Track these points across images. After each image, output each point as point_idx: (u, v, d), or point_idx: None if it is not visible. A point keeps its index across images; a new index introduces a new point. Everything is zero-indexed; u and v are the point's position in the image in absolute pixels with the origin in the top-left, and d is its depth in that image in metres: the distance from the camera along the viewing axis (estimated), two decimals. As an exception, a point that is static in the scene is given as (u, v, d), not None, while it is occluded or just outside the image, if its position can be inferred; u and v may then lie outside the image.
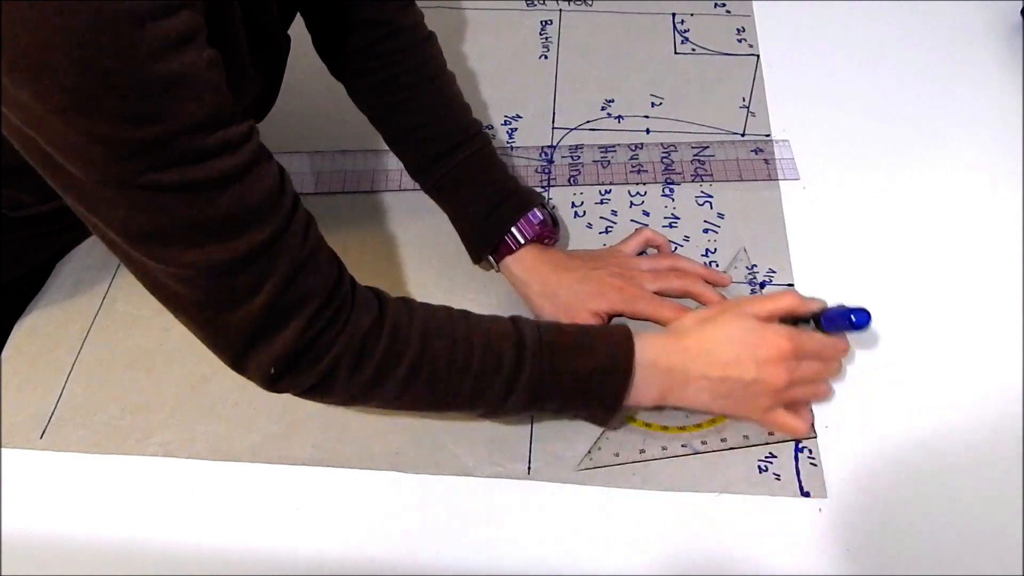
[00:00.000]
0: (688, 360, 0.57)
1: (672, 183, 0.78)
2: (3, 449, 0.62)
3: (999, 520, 0.57)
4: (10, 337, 0.69)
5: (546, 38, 0.92)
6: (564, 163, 0.80)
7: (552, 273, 0.66)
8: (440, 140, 0.69)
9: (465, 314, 0.57)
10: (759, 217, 0.75)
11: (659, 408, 0.61)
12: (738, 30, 0.92)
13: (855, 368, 0.65)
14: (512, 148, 0.81)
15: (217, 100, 0.43)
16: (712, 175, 0.78)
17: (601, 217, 0.75)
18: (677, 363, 0.57)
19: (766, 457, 0.60)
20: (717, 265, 0.71)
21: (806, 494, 0.59)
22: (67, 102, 0.39)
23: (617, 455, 0.61)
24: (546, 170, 0.79)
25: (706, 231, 0.74)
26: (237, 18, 0.52)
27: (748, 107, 0.84)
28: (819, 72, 0.87)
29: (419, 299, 0.69)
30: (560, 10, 0.95)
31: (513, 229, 0.66)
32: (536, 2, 0.96)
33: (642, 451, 0.61)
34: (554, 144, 0.81)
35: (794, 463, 0.60)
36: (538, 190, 0.76)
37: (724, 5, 0.94)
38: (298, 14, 0.67)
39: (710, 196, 0.76)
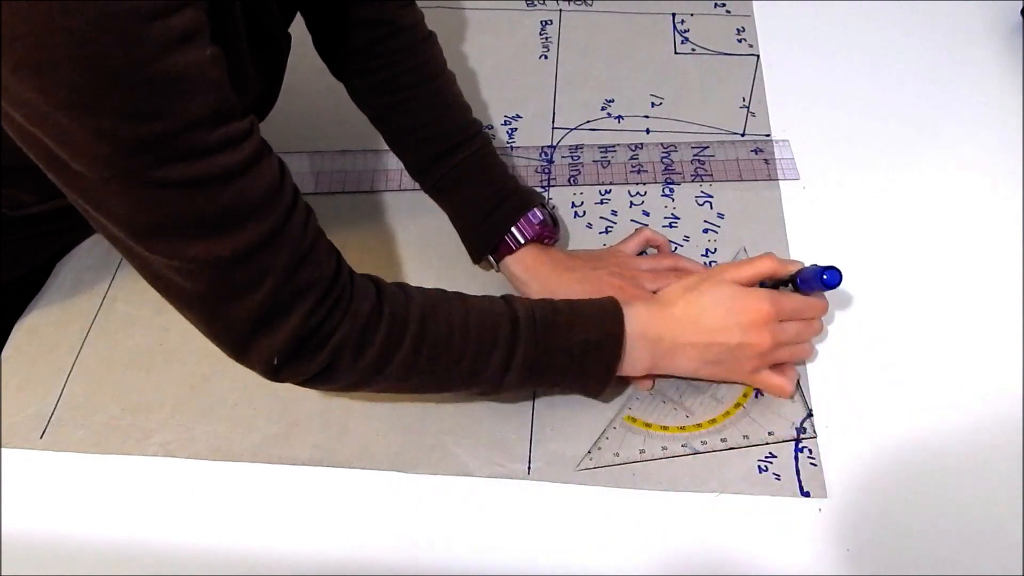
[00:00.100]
0: (675, 328, 0.59)
1: (672, 183, 0.78)
2: (3, 449, 0.62)
3: (999, 520, 0.57)
4: (10, 337, 0.69)
5: (546, 38, 0.92)
6: (564, 163, 0.80)
7: (552, 273, 0.66)
8: (440, 140, 0.69)
9: (460, 295, 0.57)
10: (759, 217, 0.75)
11: (649, 377, 0.63)
12: (738, 30, 0.92)
13: (855, 368, 0.65)
14: (512, 148, 0.81)
15: (220, 97, 0.44)
16: (712, 175, 0.78)
17: (601, 217, 0.75)
18: (665, 332, 0.59)
19: (766, 457, 0.60)
20: (717, 265, 0.71)
21: (806, 494, 0.59)
22: (72, 99, 0.39)
23: (617, 455, 0.61)
24: (546, 170, 0.79)
25: (706, 231, 0.74)
26: (238, 17, 0.52)
27: (748, 107, 0.84)
28: (819, 72, 0.87)
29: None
30: (560, 10, 0.95)
31: (513, 229, 0.67)
32: (536, 2, 0.96)
33: (642, 451, 0.61)
34: (554, 144, 0.81)
35: (794, 463, 0.60)
36: (538, 190, 0.76)
37: (724, 5, 0.94)
38: (298, 14, 0.67)
39: (710, 196, 0.76)
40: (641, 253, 0.71)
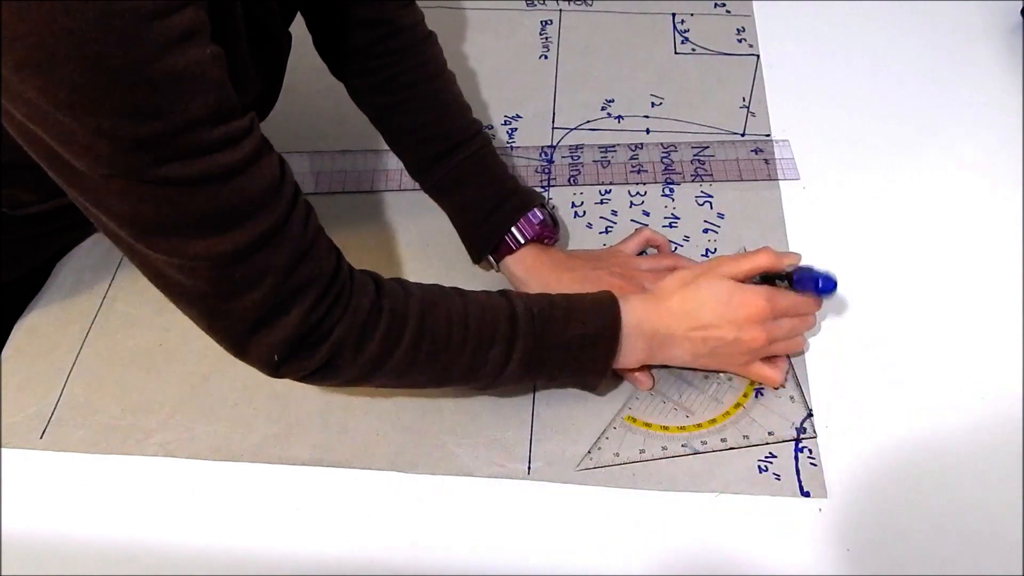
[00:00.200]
0: (671, 322, 0.59)
1: (672, 183, 0.78)
2: (3, 449, 0.62)
3: (999, 520, 0.57)
4: (10, 337, 0.69)
5: (546, 38, 0.92)
6: (564, 163, 0.80)
7: (552, 273, 0.67)
8: (440, 140, 0.69)
9: (459, 291, 0.58)
10: (759, 217, 0.75)
11: (649, 378, 0.63)
12: (738, 30, 0.92)
13: (855, 368, 0.65)
14: (512, 148, 0.81)
15: (220, 96, 0.44)
16: (712, 175, 0.78)
17: (601, 217, 0.75)
18: (661, 325, 0.59)
19: (766, 457, 0.60)
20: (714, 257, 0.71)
21: (806, 494, 0.59)
22: (73, 98, 0.39)
23: (617, 455, 0.61)
24: (546, 170, 0.79)
25: (706, 231, 0.74)
26: (238, 16, 0.52)
27: (748, 107, 0.84)
28: (819, 72, 0.87)
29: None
30: (560, 10, 0.95)
31: (513, 229, 0.67)
32: (536, 2, 0.96)
33: (642, 451, 0.61)
34: (554, 144, 0.81)
35: (794, 463, 0.60)
36: (538, 190, 0.76)
37: (724, 5, 0.94)
38: (299, 14, 0.67)
39: (710, 196, 0.76)
40: (641, 253, 0.71)
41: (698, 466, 0.60)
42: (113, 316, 0.70)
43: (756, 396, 0.63)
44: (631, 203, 0.76)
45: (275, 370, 0.51)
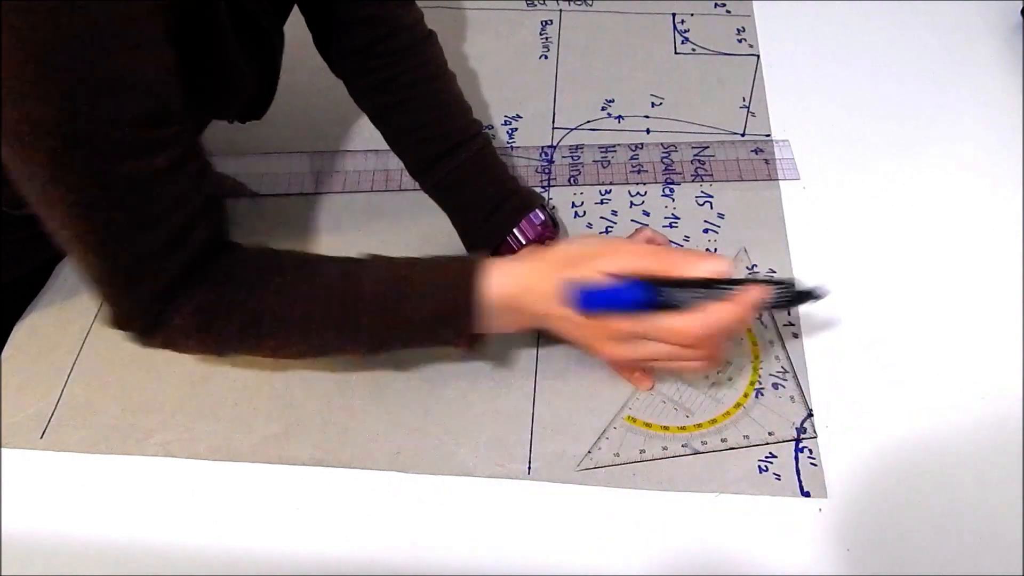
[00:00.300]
0: (542, 306, 0.56)
1: (672, 183, 0.78)
2: (3, 449, 0.62)
3: (999, 520, 0.57)
4: (10, 337, 0.69)
5: (546, 38, 0.92)
6: (564, 163, 0.80)
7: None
8: (440, 141, 0.69)
9: (316, 267, 0.57)
10: (759, 217, 0.75)
11: (648, 378, 0.64)
12: (738, 30, 0.92)
13: (855, 368, 0.65)
14: (512, 148, 0.81)
15: (158, 99, 0.47)
16: (712, 175, 0.78)
17: (601, 217, 0.75)
18: (530, 306, 0.56)
19: (766, 457, 0.60)
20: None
21: (806, 494, 0.59)
22: (11, 85, 0.42)
23: (617, 455, 0.61)
24: (546, 170, 0.79)
25: (706, 231, 0.74)
26: (222, 11, 0.53)
27: (748, 107, 0.84)
28: (819, 72, 0.87)
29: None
30: (560, 10, 0.95)
31: (515, 230, 0.67)
32: (536, 2, 0.96)
33: (642, 451, 0.61)
34: (554, 144, 0.81)
35: (794, 463, 0.60)
36: (538, 190, 0.76)
37: (724, 5, 0.94)
38: (298, 13, 0.67)
39: (710, 196, 0.76)
40: None
41: (698, 466, 0.60)
42: (113, 316, 0.70)
43: (756, 396, 0.63)
44: (631, 203, 0.76)
45: (146, 335, 0.55)
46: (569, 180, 0.78)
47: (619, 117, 0.84)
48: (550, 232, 0.68)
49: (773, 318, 0.68)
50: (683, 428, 0.62)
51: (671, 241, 0.72)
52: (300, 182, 0.78)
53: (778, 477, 0.60)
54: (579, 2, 0.96)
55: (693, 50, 0.90)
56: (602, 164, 0.79)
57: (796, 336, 0.67)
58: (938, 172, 0.77)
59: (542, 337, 0.67)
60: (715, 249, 0.72)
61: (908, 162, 0.78)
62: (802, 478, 0.59)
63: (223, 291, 0.54)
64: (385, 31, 0.67)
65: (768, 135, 0.81)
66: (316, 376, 0.65)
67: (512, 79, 0.87)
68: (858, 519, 0.58)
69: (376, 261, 0.58)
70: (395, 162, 0.76)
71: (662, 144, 0.81)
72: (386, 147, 0.73)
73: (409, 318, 0.56)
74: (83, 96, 0.43)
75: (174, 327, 0.54)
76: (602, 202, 0.77)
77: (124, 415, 0.64)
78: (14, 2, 0.39)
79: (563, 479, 0.60)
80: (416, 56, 0.69)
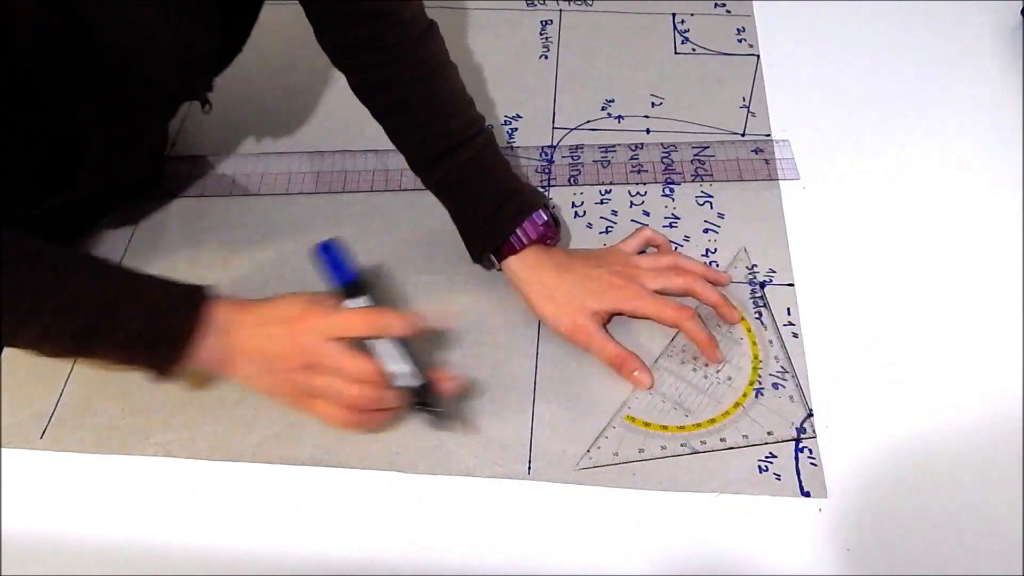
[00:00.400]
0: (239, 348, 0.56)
1: (672, 183, 0.78)
2: (3, 449, 0.62)
3: (999, 520, 0.57)
4: (10, 337, 0.69)
5: (546, 38, 0.92)
6: (564, 163, 0.80)
7: (553, 272, 0.66)
8: (442, 139, 0.68)
9: (53, 266, 0.54)
10: (759, 217, 0.75)
11: (647, 375, 0.64)
12: (738, 30, 0.92)
13: (855, 368, 0.65)
14: (512, 148, 0.81)
15: None
16: (712, 175, 0.78)
17: (601, 217, 0.75)
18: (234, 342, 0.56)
19: (766, 457, 0.60)
20: (717, 265, 0.71)
21: (806, 494, 0.59)
22: None
23: (616, 454, 0.61)
24: (546, 170, 0.79)
25: (706, 231, 0.74)
26: None
27: (748, 107, 0.84)
28: (819, 72, 0.87)
29: (420, 299, 0.69)
30: (560, 10, 0.95)
31: (517, 231, 0.66)
32: (536, 2, 0.96)
33: (641, 451, 0.61)
34: (554, 144, 0.81)
35: (794, 463, 0.60)
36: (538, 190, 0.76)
37: (724, 5, 0.94)
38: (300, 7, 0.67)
39: (710, 196, 0.76)
40: (642, 252, 0.71)
41: (698, 466, 0.60)
42: (113, 316, 0.70)
43: (756, 396, 0.63)
44: (631, 203, 0.76)
45: None
46: (569, 180, 0.78)
47: (619, 117, 0.84)
48: (552, 232, 0.68)
49: (773, 318, 0.68)
50: (682, 428, 0.62)
51: (671, 241, 0.73)
52: (300, 182, 0.78)
53: (778, 477, 0.60)
54: (579, 2, 0.96)
55: (693, 50, 0.90)
56: (602, 164, 0.79)
57: (796, 336, 0.67)
58: (938, 172, 0.77)
59: (542, 337, 0.67)
60: (715, 249, 0.72)
61: (908, 162, 0.78)
62: (802, 478, 0.59)
63: None
64: (384, 25, 0.67)
65: (768, 135, 0.81)
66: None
67: (512, 79, 0.87)
68: (858, 519, 0.58)
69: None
70: (395, 162, 0.76)
71: (662, 144, 0.81)
72: (386, 147, 0.73)
73: (106, 343, 0.54)
74: None
75: None
76: (602, 202, 0.77)
77: (124, 415, 0.64)
78: None
79: (563, 479, 0.60)
80: (418, 52, 0.68)
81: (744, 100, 0.84)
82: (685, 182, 0.78)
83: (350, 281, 0.58)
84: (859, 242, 0.73)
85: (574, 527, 0.58)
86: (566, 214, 0.76)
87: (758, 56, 0.89)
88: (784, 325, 0.67)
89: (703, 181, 0.78)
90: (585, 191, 0.77)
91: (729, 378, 0.65)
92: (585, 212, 0.76)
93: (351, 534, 0.58)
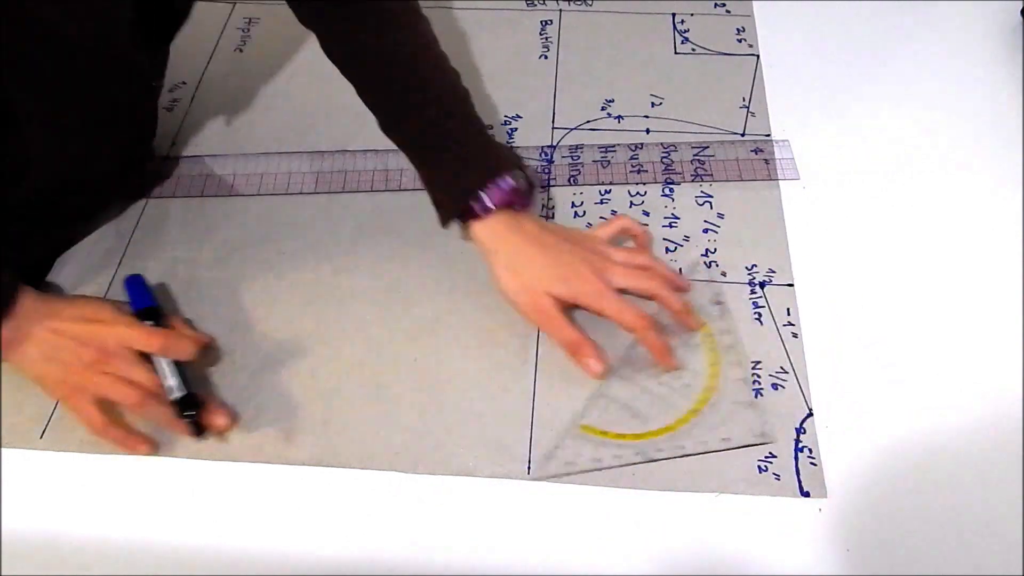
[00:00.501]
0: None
1: (672, 183, 0.78)
2: (3, 449, 0.62)
3: (999, 520, 0.57)
4: (10, 337, 0.69)
5: (546, 38, 0.92)
6: (564, 163, 0.80)
7: (522, 245, 0.65)
8: (410, 94, 0.67)
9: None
10: (759, 217, 0.75)
11: (601, 363, 0.63)
12: (738, 30, 0.92)
13: (855, 368, 0.65)
14: (512, 148, 0.81)
15: None
16: (712, 175, 0.78)
17: (601, 217, 0.75)
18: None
19: (766, 457, 0.60)
20: (717, 265, 0.71)
21: (806, 494, 0.59)
22: None
23: (571, 463, 0.60)
24: (546, 170, 0.79)
25: (706, 231, 0.74)
26: None
27: (748, 107, 0.84)
28: (819, 72, 0.87)
29: (418, 299, 0.69)
30: (560, 10, 0.95)
31: (482, 194, 0.64)
32: (536, 2, 0.96)
33: (597, 459, 0.60)
34: (554, 144, 0.81)
35: (794, 463, 0.60)
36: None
37: (724, 5, 0.94)
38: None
39: (710, 196, 0.76)
40: (626, 244, 0.71)
41: (697, 466, 0.60)
42: (113, 316, 0.70)
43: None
44: (631, 203, 0.76)
45: None
46: (569, 180, 0.78)
47: (619, 117, 0.84)
48: (522, 199, 0.66)
49: (773, 318, 0.68)
50: (638, 436, 0.61)
51: (670, 241, 0.73)
52: (300, 182, 0.78)
53: (778, 477, 0.60)
54: (579, 2, 0.96)
55: (693, 50, 0.90)
56: (602, 164, 0.79)
57: (796, 336, 0.67)
58: (938, 172, 0.77)
59: (542, 337, 0.67)
60: (715, 249, 0.72)
61: (908, 162, 0.78)
62: (802, 478, 0.59)
63: None
64: None
65: (768, 135, 0.81)
66: (316, 376, 0.65)
67: (512, 79, 0.87)
68: (858, 519, 0.58)
69: None
70: (395, 162, 0.76)
71: (662, 144, 0.81)
72: (386, 147, 0.72)
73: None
74: None
75: None
76: (602, 202, 0.77)
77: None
78: None
79: (563, 479, 0.60)
80: (382, 3, 0.67)
81: (744, 100, 0.84)
82: (685, 182, 0.78)
83: (147, 307, 0.65)
84: (859, 242, 0.73)
85: (574, 527, 0.58)
86: (566, 214, 0.76)
87: (758, 56, 0.89)
88: (784, 325, 0.67)
89: (703, 181, 0.78)
90: (585, 191, 0.77)
91: (687, 385, 0.64)
92: (585, 212, 0.76)
93: (351, 534, 0.58)
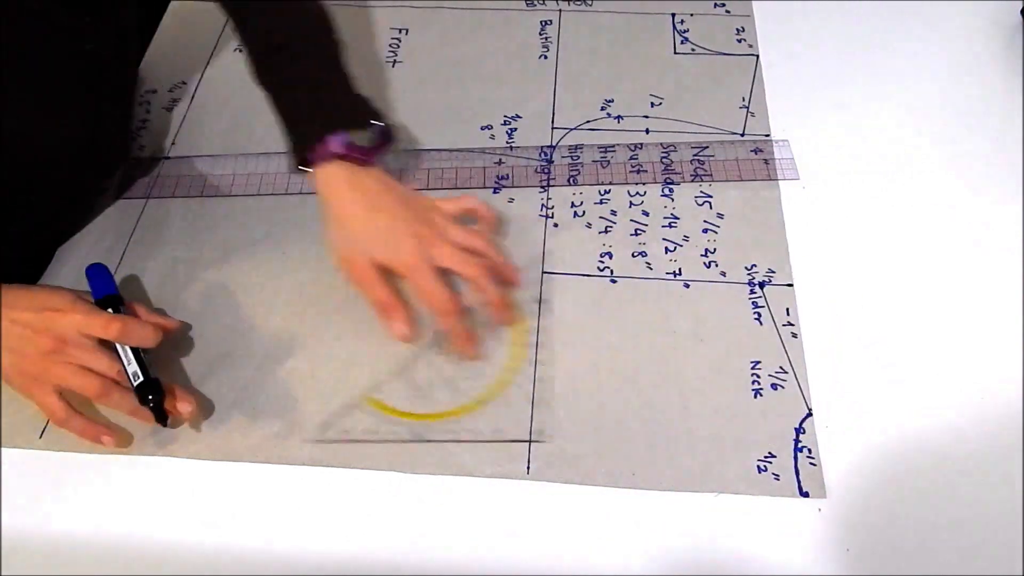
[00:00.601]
0: None
1: (671, 183, 0.78)
2: (3, 449, 0.62)
3: (999, 520, 0.57)
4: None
5: (546, 38, 0.92)
6: (564, 163, 0.80)
7: (353, 201, 0.65)
8: (273, 35, 0.67)
9: None
10: (758, 217, 0.75)
11: (408, 326, 0.64)
12: (737, 30, 0.92)
13: (855, 368, 0.65)
14: (512, 148, 0.81)
15: None
16: (712, 175, 0.78)
17: (600, 217, 0.75)
18: None
19: (765, 457, 0.61)
20: (716, 265, 0.71)
21: (805, 494, 0.59)
22: None
23: (347, 432, 0.62)
24: (546, 170, 0.79)
25: (705, 231, 0.74)
26: None
27: (747, 107, 0.84)
28: (819, 72, 0.87)
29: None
30: (560, 10, 0.95)
31: (319, 144, 0.65)
32: (536, 2, 0.96)
33: (374, 431, 0.62)
34: (554, 144, 0.81)
35: (793, 463, 0.60)
36: (537, 190, 0.76)
37: (723, 5, 0.94)
38: None
39: (709, 196, 0.77)
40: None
41: (696, 466, 0.60)
42: (113, 316, 0.70)
43: (501, 397, 0.64)
44: (630, 203, 0.76)
45: None
46: (568, 180, 0.78)
47: (618, 117, 0.84)
48: (362, 156, 0.65)
49: (772, 318, 0.68)
50: (419, 416, 0.63)
51: (670, 240, 0.73)
52: (300, 182, 0.78)
53: (777, 477, 0.60)
54: (578, 2, 0.96)
55: (692, 50, 0.90)
56: (601, 164, 0.79)
57: (795, 336, 0.67)
58: (938, 172, 0.77)
59: (542, 336, 0.67)
60: (714, 249, 0.72)
61: (907, 162, 0.78)
62: (801, 478, 0.59)
63: None
64: None
65: (767, 135, 0.81)
66: (316, 376, 0.65)
67: (511, 79, 0.87)
68: (858, 519, 0.58)
69: None
70: (394, 162, 0.76)
71: (661, 144, 0.81)
72: (386, 147, 0.73)
73: None
74: None
75: None
76: (601, 202, 0.77)
77: (123, 414, 0.64)
78: None
79: (563, 479, 0.60)
80: None
81: (743, 100, 0.84)
82: (684, 182, 0.78)
83: (108, 295, 0.64)
84: (859, 242, 0.73)
85: (574, 527, 0.58)
86: (565, 214, 0.76)
87: (757, 56, 0.89)
88: (783, 325, 0.67)
89: (702, 181, 0.78)
90: (584, 191, 0.77)
91: (482, 376, 0.65)
92: (584, 212, 0.76)
93: (351, 534, 0.58)
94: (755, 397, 0.63)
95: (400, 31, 0.91)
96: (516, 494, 0.60)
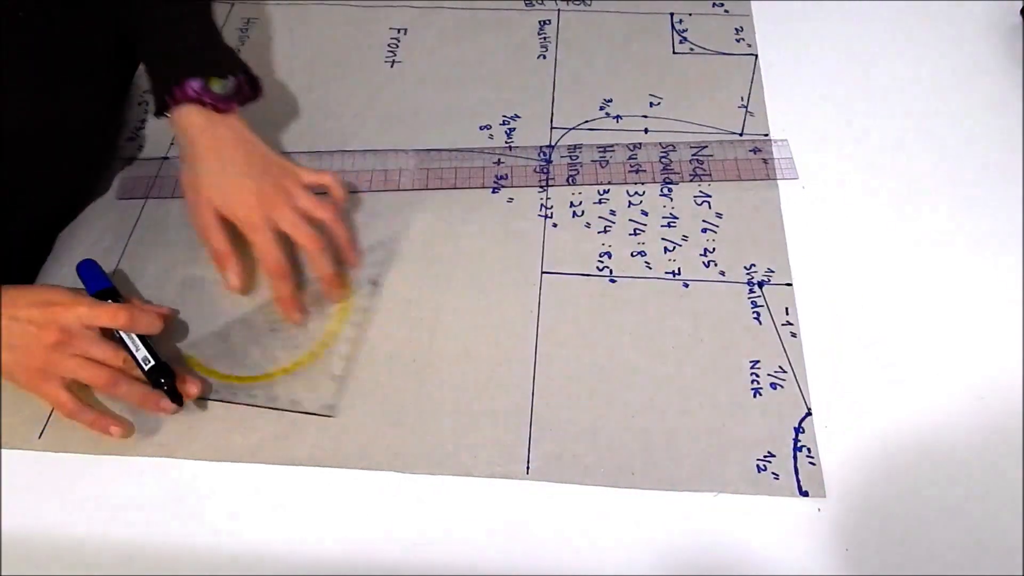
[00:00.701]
0: None
1: (670, 183, 0.78)
2: (2, 449, 0.62)
3: (999, 520, 0.58)
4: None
5: (544, 38, 0.92)
6: (563, 163, 0.80)
7: (209, 148, 0.66)
8: None
9: None
10: (758, 217, 0.75)
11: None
12: (736, 30, 0.92)
13: (855, 368, 0.65)
14: (511, 148, 0.81)
15: None
16: (711, 175, 0.78)
17: (600, 217, 0.75)
18: None
19: (764, 456, 0.61)
20: (716, 265, 0.71)
21: (805, 494, 0.59)
22: None
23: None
24: (544, 170, 0.79)
25: (704, 231, 0.74)
26: None
27: (746, 107, 0.84)
28: (818, 72, 0.87)
29: (418, 300, 0.69)
30: (559, 10, 0.95)
31: (176, 88, 0.65)
32: (535, 2, 0.96)
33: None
34: (552, 144, 0.81)
35: (793, 463, 0.60)
36: (536, 190, 0.76)
37: (722, 5, 0.94)
38: None
39: (708, 196, 0.77)
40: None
41: (695, 465, 0.60)
42: (112, 316, 0.70)
43: (307, 367, 0.65)
44: (629, 203, 0.76)
45: None
46: (567, 180, 0.78)
47: (617, 117, 0.84)
48: (214, 101, 0.66)
49: (772, 317, 0.68)
50: (225, 376, 0.65)
51: (669, 240, 0.73)
52: (299, 182, 0.78)
53: (776, 477, 0.60)
54: (577, 2, 0.96)
55: (691, 50, 0.90)
56: (600, 164, 0.79)
57: (795, 336, 0.67)
58: (937, 172, 0.77)
59: (542, 336, 0.67)
60: (713, 249, 0.72)
61: (907, 162, 0.78)
62: (800, 478, 0.60)
63: None
64: None
65: (766, 135, 0.81)
66: (316, 376, 0.65)
67: (510, 79, 0.87)
68: (857, 519, 0.58)
69: None
70: (395, 162, 0.76)
71: (660, 144, 0.81)
72: (386, 147, 0.73)
73: None
74: None
75: None
76: (600, 202, 0.77)
77: (123, 414, 0.64)
78: None
79: (563, 479, 0.60)
80: None
81: (742, 100, 0.84)
82: (683, 182, 0.78)
83: (104, 288, 0.65)
84: (858, 242, 0.73)
85: (574, 527, 0.58)
86: (564, 213, 0.76)
87: (756, 56, 0.89)
88: (782, 325, 0.67)
89: (701, 181, 0.78)
90: (583, 191, 0.77)
91: (296, 347, 0.66)
92: (584, 212, 0.76)
93: (351, 534, 0.58)
94: (754, 397, 0.63)
95: (399, 31, 0.91)
96: (516, 494, 0.60)
